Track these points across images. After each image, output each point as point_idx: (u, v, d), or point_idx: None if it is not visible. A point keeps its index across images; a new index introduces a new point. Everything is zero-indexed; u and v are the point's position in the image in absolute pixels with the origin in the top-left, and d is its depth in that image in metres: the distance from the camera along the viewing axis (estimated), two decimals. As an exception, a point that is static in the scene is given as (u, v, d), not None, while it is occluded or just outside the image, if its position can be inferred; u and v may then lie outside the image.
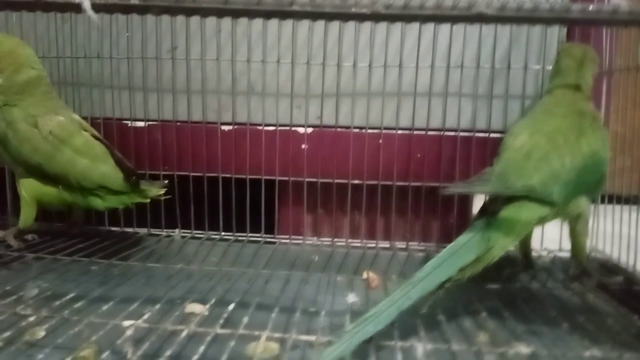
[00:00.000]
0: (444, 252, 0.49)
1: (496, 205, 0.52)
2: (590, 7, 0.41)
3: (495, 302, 0.56)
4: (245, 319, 0.48)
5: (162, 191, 0.70)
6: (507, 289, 0.61)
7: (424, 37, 0.75)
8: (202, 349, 0.43)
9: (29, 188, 0.68)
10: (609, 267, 0.67)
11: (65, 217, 0.80)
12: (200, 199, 0.80)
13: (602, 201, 0.75)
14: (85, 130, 0.69)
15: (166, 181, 0.72)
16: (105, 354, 0.42)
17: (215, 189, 0.80)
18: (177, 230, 0.82)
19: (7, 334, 0.45)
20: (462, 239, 0.50)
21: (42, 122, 0.66)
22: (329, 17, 0.43)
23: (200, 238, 0.80)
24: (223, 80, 0.80)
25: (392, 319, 0.44)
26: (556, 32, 0.77)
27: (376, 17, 0.42)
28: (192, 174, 0.81)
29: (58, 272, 0.62)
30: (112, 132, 0.81)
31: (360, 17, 0.42)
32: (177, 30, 0.79)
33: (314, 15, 0.42)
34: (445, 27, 0.75)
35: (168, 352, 0.42)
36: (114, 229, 0.82)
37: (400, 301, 0.45)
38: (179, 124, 0.82)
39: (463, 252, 0.49)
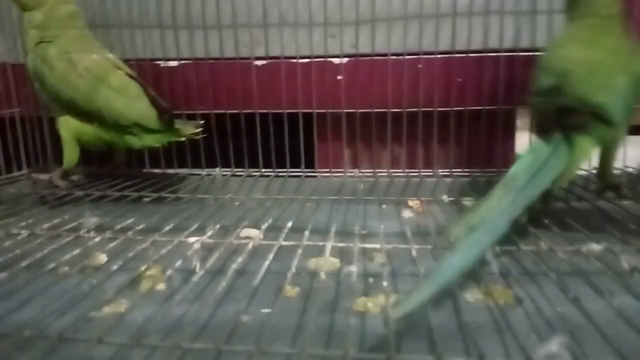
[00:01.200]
0: (528, 163, 0.47)
1: (572, 119, 0.50)
2: None
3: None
4: (307, 234, 0.48)
5: (198, 130, 0.69)
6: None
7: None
8: (270, 258, 0.43)
9: (67, 126, 0.68)
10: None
11: (106, 161, 0.80)
12: (238, 137, 0.80)
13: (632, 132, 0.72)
14: (120, 69, 0.69)
15: (202, 121, 0.71)
16: (174, 269, 0.43)
17: (253, 126, 0.79)
18: (217, 169, 0.81)
19: (75, 253, 0.45)
20: (542, 152, 0.48)
21: (77, 59, 0.66)
22: None
23: (240, 176, 0.80)
24: (253, 12, 0.78)
25: (505, 228, 0.42)
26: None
27: None
28: (228, 111, 0.81)
29: (110, 206, 0.63)
30: (146, 73, 0.80)
31: None
32: (204, -38, 0.77)
33: None
34: (484, -59, 0.72)
35: (237, 265, 0.42)
36: (155, 170, 0.82)
37: (509, 210, 0.43)
38: (212, 61, 0.80)
39: (552, 164, 0.46)
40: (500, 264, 0.42)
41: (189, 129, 0.68)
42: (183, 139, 0.69)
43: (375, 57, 0.78)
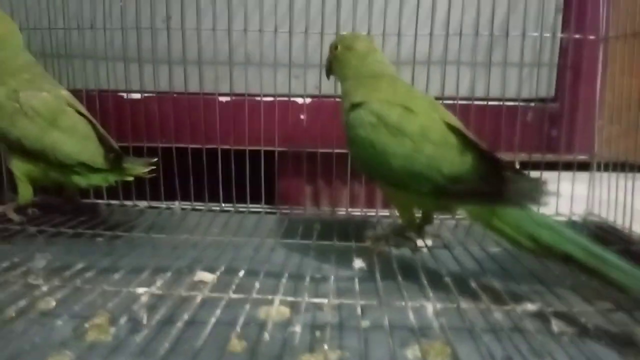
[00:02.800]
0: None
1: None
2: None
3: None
4: (257, 285, 0.49)
5: (146, 169, 0.67)
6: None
7: (422, 5, 0.75)
8: (217, 312, 0.43)
9: (16, 165, 0.67)
10: (606, 230, 0.69)
11: (63, 191, 0.79)
12: (199, 171, 0.80)
13: (598, 169, 0.76)
14: (71, 107, 0.68)
15: (155, 159, 0.68)
16: (121, 320, 0.43)
17: (215, 161, 0.80)
18: (177, 203, 0.82)
19: (20, 303, 0.45)
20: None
21: (25, 98, 0.65)
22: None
23: (200, 210, 0.80)
24: (219, 50, 0.79)
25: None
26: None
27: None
28: (190, 145, 0.81)
29: (63, 245, 0.62)
30: (108, 105, 0.80)
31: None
32: (172, -1, 0.78)
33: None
34: (443, -6, 0.75)
35: (185, 316, 0.43)
36: (112, 202, 0.82)
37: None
38: (175, 95, 0.81)
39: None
40: (440, 321, 0.44)
41: (138, 168, 0.67)
42: (131, 178, 0.67)
43: (337, 99, 0.80)
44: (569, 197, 0.76)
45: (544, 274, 0.54)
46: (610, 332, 0.43)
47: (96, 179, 0.67)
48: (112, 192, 0.81)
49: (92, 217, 0.71)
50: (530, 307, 0.45)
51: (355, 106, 0.59)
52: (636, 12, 0.69)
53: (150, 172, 0.67)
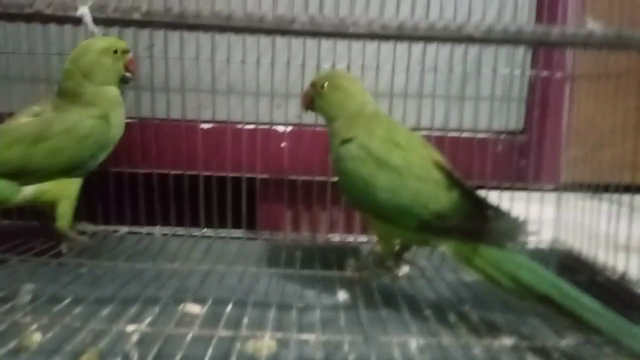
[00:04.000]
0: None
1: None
2: (567, 31, 0.45)
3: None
4: (245, 320, 0.50)
5: None
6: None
7: (399, 41, 0.78)
8: (209, 351, 0.44)
9: None
10: (572, 259, 0.73)
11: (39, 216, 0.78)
12: (180, 197, 0.81)
13: (565, 189, 0.80)
14: None
15: None
16: (115, 354, 0.44)
17: (196, 186, 0.81)
18: (157, 228, 0.82)
19: (10, 344, 0.45)
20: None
21: None
22: (327, 35, 0.45)
23: (181, 236, 0.81)
24: (202, 78, 0.80)
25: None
26: (523, 38, 0.81)
27: (372, 36, 0.45)
28: (172, 172, 0.82)
29: (47, 277, 0.62)
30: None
31: (357, 36, 0.45)
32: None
33: (313, 34, 0.44)
34: (420, 31, 0.78)
35: (177, 357, 0.44)
36: (91, 227, 0.81)
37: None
38: (157, 121, 0.82)
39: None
40: (423, 358, 0.46)
41: None
42: None
43: (317, 128, 0.82)
44: (537, 223, 0.79)
45: (516, 303, 0.57)
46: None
47: None
48: (91, 216, 0.81)
49: (75, 243, 0.71)
50: (507, 341, 0.48)
51: (345, 142, 0.62)
52: (599, 54, 0.74)
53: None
